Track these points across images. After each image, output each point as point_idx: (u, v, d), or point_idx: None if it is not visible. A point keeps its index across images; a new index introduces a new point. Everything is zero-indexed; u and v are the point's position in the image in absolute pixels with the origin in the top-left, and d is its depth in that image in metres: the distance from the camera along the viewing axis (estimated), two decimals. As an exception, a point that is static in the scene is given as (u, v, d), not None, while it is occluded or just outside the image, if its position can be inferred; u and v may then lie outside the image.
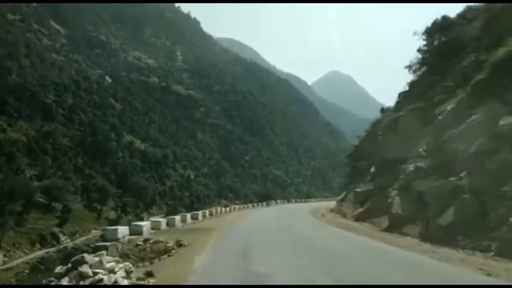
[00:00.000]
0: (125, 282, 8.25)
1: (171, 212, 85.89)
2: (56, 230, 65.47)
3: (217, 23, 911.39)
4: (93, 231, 71.67)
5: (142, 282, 8.96)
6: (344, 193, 41.60)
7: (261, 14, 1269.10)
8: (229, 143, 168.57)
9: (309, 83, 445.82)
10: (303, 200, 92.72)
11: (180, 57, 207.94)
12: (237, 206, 54.15)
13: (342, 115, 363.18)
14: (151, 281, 9.16)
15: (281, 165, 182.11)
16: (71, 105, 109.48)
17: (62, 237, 65.42)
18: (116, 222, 74.82)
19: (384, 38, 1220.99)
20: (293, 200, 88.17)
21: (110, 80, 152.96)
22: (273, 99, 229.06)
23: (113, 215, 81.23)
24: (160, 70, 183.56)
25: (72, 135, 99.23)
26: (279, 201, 77.14)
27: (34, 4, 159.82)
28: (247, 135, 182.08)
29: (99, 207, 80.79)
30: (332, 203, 46.95)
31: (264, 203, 65.92)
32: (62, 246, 62.82)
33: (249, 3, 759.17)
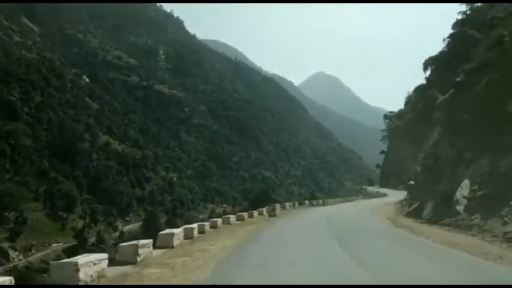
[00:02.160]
0: None
1: (150, 219, 74.46)
2: (6, 244, 53.54)
3: (201, 25, 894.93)
4: (54, 244, 59.93)
5: None
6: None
7: (246, 15, 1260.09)
8: (216, 144, 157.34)
9: (296, 84, 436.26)
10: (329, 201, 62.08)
11: (163, 56, 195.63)
12: (245, 215, 30.34)
13: (329, 115, 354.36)
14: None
15: (270, 165, 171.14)
16: (39, 103, 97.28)
17: (13, 254, 53.46)
18: (82, 232, 63.30)
19: (370, 39, 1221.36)
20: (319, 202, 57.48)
21: (87, 79, 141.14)
22: (260, 99, 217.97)
23: (81, 224, 69.19)
24: (141, 69, 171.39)
25: (38, 136, 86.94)
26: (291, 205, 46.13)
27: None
28: (235, 135, 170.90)
29: (64, 215, 68.76)
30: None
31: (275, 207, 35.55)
32: (11, 265, 51.04)
33: (233, 3, 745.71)
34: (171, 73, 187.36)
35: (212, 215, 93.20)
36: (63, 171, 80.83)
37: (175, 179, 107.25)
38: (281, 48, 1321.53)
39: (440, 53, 63.47)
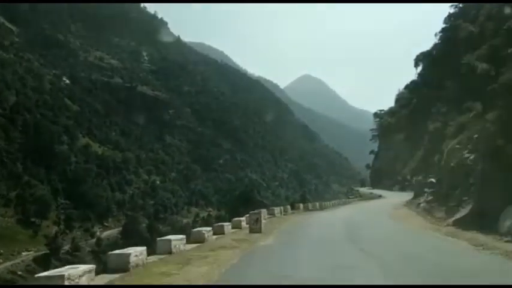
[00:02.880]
0: None
1: (130, 224, 70.26)
2: (-32, 254, 49.13)
3: (186, 27, 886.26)
4: (24, 253, 55.37)
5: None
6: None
7: (231, 18, 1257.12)
8: (201, 146, 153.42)
9: (282, 87, 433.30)
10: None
11: (146, 58, 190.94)
12: (206, 234, 17.19)
13: (315, 117, 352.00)
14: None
15: (257, 168, 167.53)
16: (14, 104, 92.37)
17: (-24, 264, 49.05)
18: (55, 239, 58.88)
19: (354, 42, 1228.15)
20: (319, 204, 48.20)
21: (67, 81, 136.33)
22: (246, 101, 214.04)
23: (54, 231, 64.65)
24: (124, 70, 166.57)
25: (12, 138, 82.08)
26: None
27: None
28: (220, 137, 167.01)
29: (37, 222, 64.19)
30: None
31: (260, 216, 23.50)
32: (-26, 277, 46.60)
33: (218, 3, 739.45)
34: (154, 75, 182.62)
35: (197, 218, 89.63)
36: (37, 175, 76.11)
37: (158, 182, 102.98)
38: (267, 51, 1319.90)
39: (433, 47, 61.44)
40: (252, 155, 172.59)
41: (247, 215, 21.67)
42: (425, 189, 30.88)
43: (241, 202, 58.30)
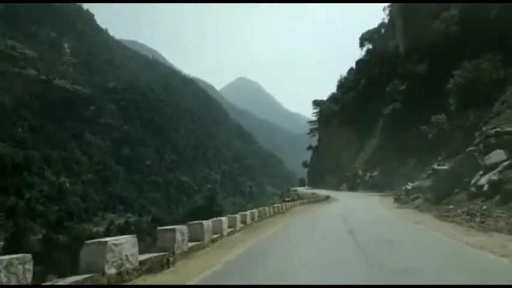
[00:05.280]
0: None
1: (16, 236, 55.70)
2: None
3: (117, 24, 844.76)
4: None
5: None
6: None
7: (167, 17, 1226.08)
8: (126, 146, 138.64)
9: (218, 89, 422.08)
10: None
11: (68, 50, 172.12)
12: None
13: (251, 119, 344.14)
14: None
15: (187, 169, 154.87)
16: None
17: None
18: None
19: (290, 45, 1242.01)
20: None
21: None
22: (178, 100, 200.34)
23: None
24: (40, 62, 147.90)
25: None
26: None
27: None
28: (148, 136, 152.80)
29: None
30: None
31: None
32: None
33: (150, 3, 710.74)
34: (77, 68, 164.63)
35: (111, 226, 75.94)
36: None
37: (68, 184, 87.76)
38: (202, 52, 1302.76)
39: (380, 25, 54.37)
40: (183, 156, 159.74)
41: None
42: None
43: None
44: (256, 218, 17.57)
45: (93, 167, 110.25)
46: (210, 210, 51.29)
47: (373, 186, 46.20)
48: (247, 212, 16.76)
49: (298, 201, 34.43)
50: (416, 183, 23.82)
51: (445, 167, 19.42)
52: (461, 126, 24.77)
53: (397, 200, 25.07)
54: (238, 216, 14.84)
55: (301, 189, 63.03)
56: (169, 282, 6.50)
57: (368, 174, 50.10)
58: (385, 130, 48.90)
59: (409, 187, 24.46)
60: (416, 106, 37.99)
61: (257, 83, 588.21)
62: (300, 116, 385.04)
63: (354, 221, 15.02)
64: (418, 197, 20.80)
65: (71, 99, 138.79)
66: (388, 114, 46.47)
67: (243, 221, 15.30)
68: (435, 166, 22.19)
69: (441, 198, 16.06)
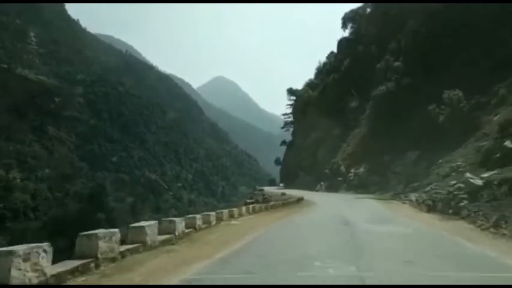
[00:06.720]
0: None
1: None
2: None
3: (92, 18, 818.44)
4: None
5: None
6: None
7: (145, 14, 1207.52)
8: (92, 141, 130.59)
9: (195, 87, 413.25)
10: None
11: (34, 39, 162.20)
12: None
13: (227, 118, 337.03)
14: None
15: (157, 167, 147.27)
16: None
17: None
18: None
19: (268, 46, 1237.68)
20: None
21: None
22: (151, 95, 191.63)
23: None
24: (2, 50, 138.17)
25: None
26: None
27: None
28: (117, 132, 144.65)
29: None
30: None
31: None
32: None
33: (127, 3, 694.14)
34: (42, 58, 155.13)
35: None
36: None
37: (18, 180, 79.62)
38: (181, 51, 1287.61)
39: (365, 4, 49.08)
40: (152, 153, 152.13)
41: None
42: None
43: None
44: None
45: (52, 162, 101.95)
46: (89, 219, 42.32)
47: (359, 186, 39.73)
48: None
49: (258, 206, 24.74)
50: (475, 179, 14.95)
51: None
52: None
53: (419, 205, 17.65)
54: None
55: (269, 189, 54.07)
56: None
57: (352, 170, 43.33)
58: (374, 116, 41.86)
59: (450, 187, 15.93)
60: (416, 85, 31.88)
61: (235, 82, 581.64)
62: (277, 117, 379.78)
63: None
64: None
65: (33, 90, 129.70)
66: (378, 96, 40.24)
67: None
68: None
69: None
